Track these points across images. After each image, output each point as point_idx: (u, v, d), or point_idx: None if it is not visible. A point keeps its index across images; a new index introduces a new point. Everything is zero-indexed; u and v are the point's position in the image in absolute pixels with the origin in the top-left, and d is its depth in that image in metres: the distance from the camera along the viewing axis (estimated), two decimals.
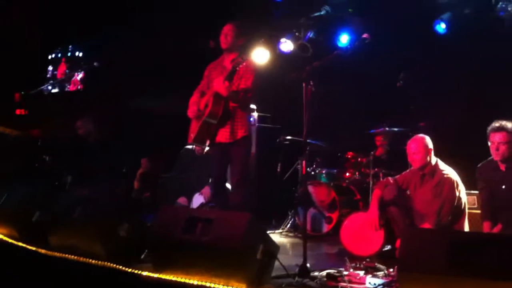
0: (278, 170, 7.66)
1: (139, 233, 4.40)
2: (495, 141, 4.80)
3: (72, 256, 4.33)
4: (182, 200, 6.85)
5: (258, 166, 7.82)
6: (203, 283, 3.60)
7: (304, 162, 4.63)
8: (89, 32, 9.55)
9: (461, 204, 5.04)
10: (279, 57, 8.55)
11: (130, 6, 8.98)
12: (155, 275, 3.82)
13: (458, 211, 5.01)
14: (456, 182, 5.05)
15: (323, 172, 7.37)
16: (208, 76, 5.43)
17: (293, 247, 6.08)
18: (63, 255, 4.40)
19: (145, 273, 3.87)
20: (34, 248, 4.64)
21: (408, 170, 5.52)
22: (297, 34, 8.43)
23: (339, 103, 8.24)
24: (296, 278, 3.93)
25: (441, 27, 7.24)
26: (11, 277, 4.51)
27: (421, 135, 5.33)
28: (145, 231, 4.33)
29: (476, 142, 5.11)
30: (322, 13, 8.23)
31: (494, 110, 6.42)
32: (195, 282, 3.63)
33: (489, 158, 4.95)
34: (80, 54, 10.30)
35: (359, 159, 7.17)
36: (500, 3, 6.60)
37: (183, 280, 3.70)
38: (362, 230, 5.36)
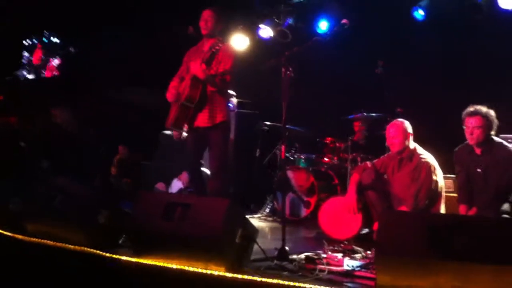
0: (257, 155, 7.67)
1: (118, 219, 4.37)
2: (469, 126, 4.85)
3: (49, 242, 4.29)
4: (160, 186, 6.83)
5: (237, 151, 7.81)
6: (182, 267, 3.60)
7: (283, 147, 4.63)
8: (66, 19, 9.43)
9: (438, 187, 5.10)
10: (258, 43, 8.54)
11: None
12: (134, 260, 3.81)
13: (435, 194, 5.07)
14: (434, 166, 5.10)
15: (302, 157, 7.39)
16: (187, 61, 5.39)
17: (272, 231, 6.10)
18: (40, 240, 4.36)
19: (124, 258, 3.86)
20: (10, 234, 4.59)
21: (386, 155, 5.56)
22: (276, 20, 8.42)
23: (318, 89, 8.25)
24: (275, 261, 3.95)
25: (420, 13, 7.28)
26: None
27: (400, 119, 5.37)
28: (124, 218, 4.31)
29: (453, 126, 5.16)
30: None
31: (470, 95, 6.51)
32: (174, 266, 3.63)
33: (465, 142, 5.00)
34: (56, 40, 10.16)
35: (337, 144, 7.21)
36: None
37: (162, 264, 3.69)
38: (340, 214, 5.40)
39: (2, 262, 4.39)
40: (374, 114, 6.98)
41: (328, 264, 3.89)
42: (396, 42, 7.53)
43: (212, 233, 3.59)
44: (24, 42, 10.33)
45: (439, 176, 5.12)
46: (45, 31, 10.14)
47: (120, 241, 4.34)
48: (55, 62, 9.83)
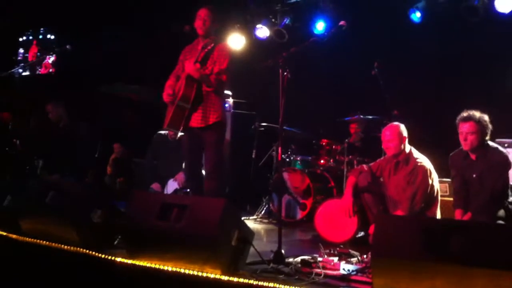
0: (253, 156, 7.66)
1: (113, 219, 4.36)
2: (463, 131, 4.84)
3: (44, 242, 4.27)
4: (155, 186, 6.80)
5: (233, 152, 7.81)
6: (178, 270, 3.59)
7: (280, 148, 4.62)
8: (62, 16, 9.40)
9: (434, 191, 5.11)
10: (255, 43, 8.53)
11: None
12: (129, 261, 3.79)
13: (430, 198, 5.08)
14: (430, 170, 5.11)
15: (298, 159, 7.39)
16: (183, 60, 5.37)
17: (267, 234, 6.10)
18: (35, 240, 4.34)
19: (119, 259, 3.84)
20: (4, 233, 4.56)
21: (382, 158, 5.56)
22: (273, 20, 8.42)
23: (314, 90, 8.26)
24: (271, 264, 3.94)
25: (416, 15, 7.29)
26: None
27: (395, 123, 5.37)
28: (118, 217, 4.29)
29: (449, 129, 5.16)
30: None
31: (466, 97, 6.53)
32: (170, 269, 3.62)
33: (461, 147, 5.01)
34: (52, 37, 10.11)
35: (333, 146, 7.21)
36: None
37: (157, 266, 3.68)
38: (336, 216, 5.41)
39: None
40: (370, 117, 6.98)
41: (324, 268, 3.88)
42: (392, 44, 7.55)
43: (207, 233, 3.58)
44: (19, 38, 10.28)
45: (435, 180, 5.13)
46: (41, 28, 10.09)
47: (116, 242, 4.31)
48: (51, 59, 9.78)
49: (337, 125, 7.42)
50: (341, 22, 4.80)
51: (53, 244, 4.22)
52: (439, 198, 5.20)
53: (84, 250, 4.05)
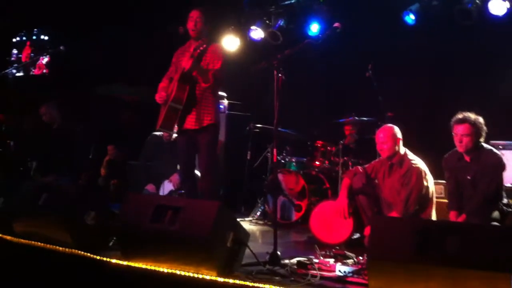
0: (248, 157, 7.65)
1: (106, 221, 4.35)
2: (458, 133, 4.85)
3: (39, 243, 4.25)
4: (150, 188, 6.79)
5: (228, 153, 7.80)
6: (173, 271, 3.59)
7: (275, 150, 4.63)
8: (56, 17, 9.37)
9: (429, 193, 5.11)
10: (249, 45, 8.53)
11: None
12: (125, 263, 3.78)
13: (425, 200, 5.08)
14: (424, 172, 5.11)
15: (293, 160, 7.38)
16: (176, 62, 5.38)
17: (263, 235, 6.09)
18: (29, 242, 4.32)
19: (114, 261, 3.83)
20: None
21: (377, 159, 5.57)
22: (267, 22, 8.41)
23: (309, 92, 8.27)
24: (267, 266, 3.94)
25: (410, 18, 7.30)
26: None
27: (389, 124, 5.38)
28: (112, 219, 4.28)
29: (444, 131, 5.18)
30: (292, 1, 8.23)
31: (460, 99, 6.55)
32: (165, 270, 3.61)
33: (455, 149, 5.02)
34: (46, 38, 10.08)
35: (328, 148, 7.20)
36: None
37: (153, 268, 3.67)
38: (331, 218, 5.41)
39: None
40: (365, 118, 6.98)
41: (320, 269, 3.89)
42: (386, 46, 7.55)
43: (201, 235, 3.58)
44: (13, 39, 10.24)
45: (429, 182, 5.13)
46: (35, 29, 10.06)
47: (110, 244, 4.30)
48: (45, 60, 9.75)
49: (331, 126, 7.42)
50: (336, 24, 4.80)
51: (48, 245, 4.20)
52: (434, 199, 5.21)
53: (80, 251, 4.03)
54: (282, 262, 4.04)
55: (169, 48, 5.76)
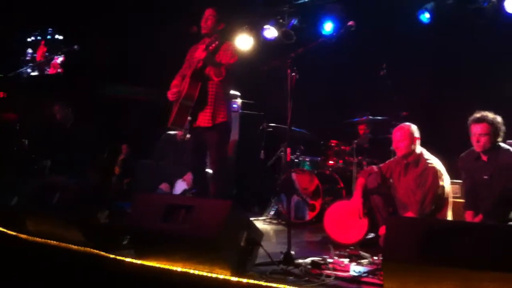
0: (261, 157, 7.64)
1: (120, 220, 4.35)
2: (476, 133, 4.79)
3: (54, 242, 4.27)
4: (164, 186, 6.80)
5: (241, 153, 7.79)
6: (187, 271, 3.57)
7: (288, 149, 4.60)
8: (69, 16, 9.41)
9: (445, 193, 5.04)
10: (263, 44, 8.52)
11: None
12: (139, 262, 3.78)
13: (441, 200, 5.02)
14: (440, 172, 5.04)
15: (307, 159, 7.36)
16: (189, 59, 5.37)
17: (276, 235, 6.07)
18: (44, 240, 4.33)
19: (128, 259, 3.83)
20: (14, 233, 4.56)
21: (392, 159, 5.51)
22: (281, 21, 8.40)
23: (323, 91, 8.23)
24: (281, 266, 3.91)
25: (425, 16, 7.25)
26: None
27: (408, 123, 5.30)
28: (125, 218, 4.28)
29: (459, 130, 5.12)
30: (306, 0, 8.21)
31: (476, 98, 6.48)
32: (179, 269, 3.60)
33: (471, 148, 4.96)
34: (60, 37, 10.12)
35: (342, 147, 7.17)
36: None
37: (166, 267, 3.66)
38: (346, 218, 5.37)
39: (5, 262, 4.36)
40: (379, 117, 6.94)
41: (334, 269, 3.86)
42: (401, 45, 7.51)
43: (213, 235, 3.56)
44: (28, 39, 10.30)
45: (446, 182, 5.06)
46: (49, 28, 10.11)
47: (124, 242, 4.30)
48: (59, 59, 9.79)
49: (345, 126, 7.38)
50: (350, 23, 4.77)
51: (62, 244, 4.21)
52: (451, 200, 5.14)
53: (93, 250, 4.04)
54: (296, 262, 4.01)
55: (179, 47, 5.76)
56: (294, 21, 8.31)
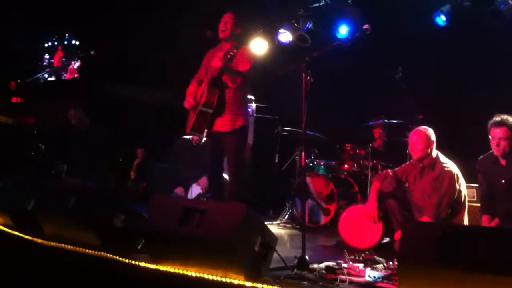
0: (276, 161, 7.63)
1: (136, 224, 4.36)
2: (496, 137, 4.73)
3: (69, 246, 4.29)
4: (179, 191, 6.81)
5: (256, 156, 7.79)
6: (202, 275, 3.57)
7: (303, 153, 4.59)
8: (85, 21, 9.50)
9: (461, 197, 5.00)
10: (278, 48, 8.52)
11: None
12: (153, 266, 3.79)
13: (457, 204, 4.98)
14: (457, 175, 5.00)
15: (322, 163, 7.33)
16: (206, 64, 5.38)
17: (291, 239, 6.05)
18: (60, 244, 4.36)
19: (142, 264, 3.84)
20: (30, 238, 4.60)
21: (407, 163, 5.48)
22: (295, 24, 8.40)
23: (338, 94, 8.21)
24: (295, 270, 3.89)
25: (441, 19, 7.21)
26: (8, 266, 4.48)
27: (424, 126, 5.26)
28: (141, 222, 4.30)
29: (475, 134, 5.07)
30: (321, 4, 8.20)
31: (493, 102, 6.42)
32: (193, 274, 3.60)
33: (489, 151, 4.91)
34: (77, 43, 10.23)
35: (357, 151, 7.14)
36: None
37: (181, 271, 3.67)
38: (361, 222, 5.34)
39: (22, 266, 4.40)
40: (394, 121, 6.90)
41: (349, 274, 3.83)
42: (417, 48, 7.47)
43: (228, 239, 3.55)
44: (44, 44, 10.42)
45: (462, 186, 5.02)
46: (66, 34, 10.22)
47: (139, 247, 4.31)
48: (76, 64, 9.90)
49: (360, 129, 7.35)
50: (365, 26, 4.75)
51: (78, 248, 4.24)
52: (467, 204, 5.09)
53: (108, 254, 4.05)
54: (310, 266, 3.98)
55: (195, 51, 5.78)
56: (309, 25, 8.31)
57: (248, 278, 3.51)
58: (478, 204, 5.25)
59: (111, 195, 5.88)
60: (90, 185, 6.88)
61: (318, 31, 8.33)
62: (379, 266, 4.07)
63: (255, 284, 3.42)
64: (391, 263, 4.07)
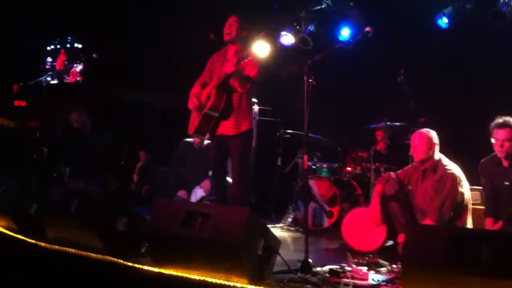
0: (278, 163, 7.62)
1: (138, 227, 4.36)
2: (499, 138, 4.74)
3: (72, 250, 4.29)
4: (182, 193, 6.81)
5: (258, 159, 7.78)
6: (205, 279, 3.57)
7: (305, 156, 4.58)
8: (87, 23, 9.51)
9: (464, 200, 4.99)
10: (280, 50, 8.51)
11: None
12: (156, 269, 3.78)
13: (460, 207, 4.96)
14: (459, 178, 4.99)
15: (324, 166, 7.33)
16: (210, 67, 5.38)
17: (294, 242, 6.04)
18: (63, 248, 4.36)
19: (145, 267, 3.83)
20: (33, 241, 4.60)
21: (410, 165, 5.47)
22: (297, 27, 8.39)
23: (340, 97, 8.21)
24: (298, 274, 3.89)
25: (444, 21, 7.20)
26: (11, 269, 4.48)
27: (427, 129, 5.25)
28: (143, 225, 4.30)
29: (477, 136, 5.07)
30: (322, 6, 8.20)
31: (495, 104, 6.41)
32: (196, 277, 3.60)
33: (492, 153, 4.91)
34: (79, 46, 10.24)
35: (359, 154, 7.14)
36: None
37: (183, 275, 3.66)
38: (364, 225, 5.34)
39: (24, 269, 4.40)
40: (397, 124, 6.89)
41: (352, 277, 3.82)
42: (419, 50, 7.47)
43: (231, 242, 3.55)
44: (47, 47, 10.43)
45: (465, 188, 5.00)
46: (68, 37, 10.23)
47: (143, 250, 4.31)
48: (78, 67, 9.91)
49: (363, 132, 7.34)
50: (367, 28, 4.76)
51: (81, 251, 4.23)
52: (470, 206, 5.08)
53: (111, 258, 4.05)
54: (313, 270, 3.98)
55: (197, 54, 5.78)
56: (311, 27, 8.30)
57: (251, 282, 3.50)
58: (482, 207, 5.24)
59: (114, 198, 5.87)
60: (93, 189, 6.88)
61: (320, 33, 8.33)
62: (383, 269, 4.06)
63: None
64: (395, 266, 4.06)
